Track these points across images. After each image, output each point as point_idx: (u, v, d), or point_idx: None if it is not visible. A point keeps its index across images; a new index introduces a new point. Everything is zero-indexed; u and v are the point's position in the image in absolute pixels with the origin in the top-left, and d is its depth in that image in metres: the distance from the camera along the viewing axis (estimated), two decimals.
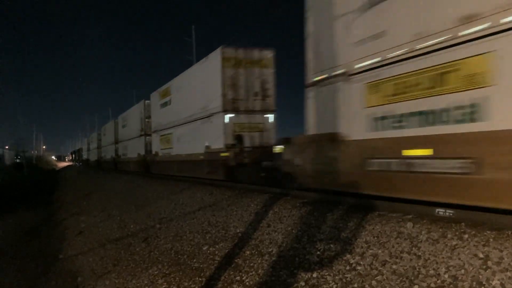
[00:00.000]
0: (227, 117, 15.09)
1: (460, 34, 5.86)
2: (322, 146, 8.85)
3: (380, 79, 7.32)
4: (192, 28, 36.06)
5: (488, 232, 5.04)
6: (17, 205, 22.21)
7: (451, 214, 6.01)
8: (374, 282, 4.79)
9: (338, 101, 8.48)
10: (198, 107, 17.29)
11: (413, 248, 5.16)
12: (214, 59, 15.69)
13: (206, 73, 16.64)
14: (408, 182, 6.79)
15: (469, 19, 5.75)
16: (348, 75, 8.07)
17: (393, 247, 5.39)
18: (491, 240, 4.79)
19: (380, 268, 5.02)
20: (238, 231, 8.09)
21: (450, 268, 4.51)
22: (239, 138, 15.02)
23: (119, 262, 9.20)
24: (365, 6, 7.53)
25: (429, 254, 4.90)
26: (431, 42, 6.31)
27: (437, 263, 4.69)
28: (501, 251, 4.49)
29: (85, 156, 77.55)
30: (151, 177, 23.03)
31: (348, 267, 5.30)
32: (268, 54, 15.80)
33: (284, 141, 10.81)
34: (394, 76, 7.03)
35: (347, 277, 5.09)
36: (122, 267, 8.82)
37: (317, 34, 9.13)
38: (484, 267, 4.33)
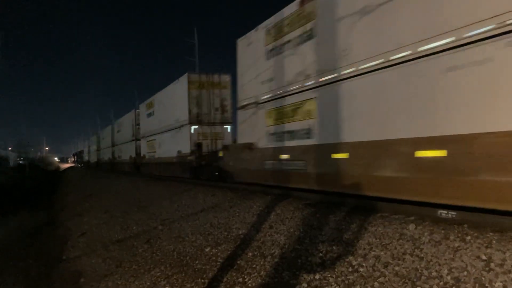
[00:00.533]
0: (193, 128, 19.55)
1: (304, 85, 10.09)
2: (244, 152, 13.32)
3: (271, 108, 11.73)
4: (194, 30, 36.14)
5: (491, 234, 5.04)
6: (19, 206, 22.26)
7: (454, 216, 6.01)
8: (376, 284, 4.79)
9: (252, 121, 12.92)
10: (173, 119, 21.88)
11: (416, 249, 5.16)
12: (183, 82, 20.27)
13: (177, 93, 21.30)
14: (281, 175, 11.14)
15: (308, 77, 9.93)
16: (257, 104, 12.51)
17: (395, 248, 5.39)
18: (494, 242, 4.79)
19: (383, 270, 5.02)
20: (240, 232, 8.09)
21: (453, 270, 4.51)
22: (198, 145, 19.35)
23: (121, 264, 9.21)
24: (262, 60, 12.13)
25: (432, 256, 4.89)
26: (291, 88, 10.64)
27: (439, 264, 4.69)
28: (504, 252, 4.48)
29: (86, 158, 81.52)
30: (153, 179, 23.08)
31: (350, 269, 5.30)
32: (226, 78, 20.56)
33: (224, 148, 16.02)
34: (276, 107, 11.48)
35: (349, 279, 5.09)
36: (124, 268, 8.83)
37: (242, 73, 13.68)
38: (487, 269, 4.33)
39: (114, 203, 17.64)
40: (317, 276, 5.37)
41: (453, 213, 6.06)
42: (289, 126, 10.79)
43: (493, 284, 4.11)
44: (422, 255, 4.99)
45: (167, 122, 22.74)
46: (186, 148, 19.73)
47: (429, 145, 6.56)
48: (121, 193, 20.23)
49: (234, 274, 6.40)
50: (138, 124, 30.42)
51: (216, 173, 16.94)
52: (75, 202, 23.14)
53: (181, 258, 8.00)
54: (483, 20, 5.83)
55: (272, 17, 11.59)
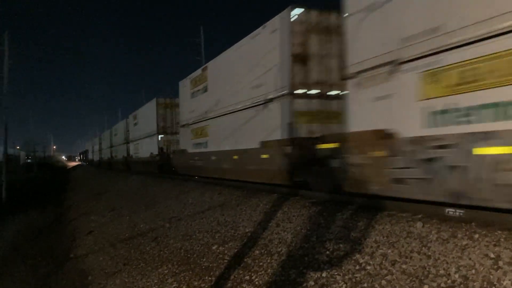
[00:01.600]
0: (159, 137, 26.28)
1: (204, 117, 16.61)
2: (181, 154, 20.73)
3: (193, 128, 18.86)
4: (201, 28, 36.21)
5: (499, 232, 5.01)
6: (28, 205, 22.43)
7: (461, 214, 5.98)
8: (384, 282, 4.78)
9: (185, 135, 19.93)
10: (148, 129, 28.52)
11: (423, 248, 5.14)
12: (153, 103, 27.28)
13: (150, 111, 27.95)
14: (196, 168, 18.55)
15: (205, 113, 16.98)
16: (188, 124, 19.49)
17: (402, 246, 5.37)
18: (502, 240, 4.76)
19: (390, 268, 5.01)
20: (247, 230, 8.11)
21: (461, 268, 4.49)
22: (161, 149, 26.03)
23: (129, 261, 9.27)
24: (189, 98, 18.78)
25: (439, 254, 4.88)
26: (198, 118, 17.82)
27: (447, 263, 4.67)
28: None
29: (90, 157, 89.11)
30: (160, 177, 23.12)
31: (357, 267, 5.30)
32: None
33: (173, 152, 24.19)
34: (194, 128, 18.50)
35: (356, 277, 5.09)
36: (132, 266, 8.89)
37: (181, 104, 21.10)
38: (495, 267, 4.30)
39: (121, 202, 17.74)
40: (324, 274, 5.37)
41: (460, 211, 6.02)
42: (199, 140, 18.15)
43: (501, 282, 4.09)
44: (429, 253, 4.97)
45: (145, 131, 29.63)
46: (155, 151, 26.53)
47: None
48: (128, 192, 20.32)
49: (241, 272, 6.42)
50: (128, 130, 37.09)
51: (173, 168, 22.99)
52: (82, 201, 23.29)
53: (188, 256, 8.03)
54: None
55: (193, 73, 19.25)
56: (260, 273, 6.14)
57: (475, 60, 5.68)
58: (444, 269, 4.59)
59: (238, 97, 13.93)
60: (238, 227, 8.52)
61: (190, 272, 7.18)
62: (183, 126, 20.49)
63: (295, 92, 10.86)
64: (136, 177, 26.34)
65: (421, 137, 6.46)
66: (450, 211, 6.15)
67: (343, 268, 5.39)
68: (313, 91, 11.16)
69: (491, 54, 5.52)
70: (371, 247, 5.67)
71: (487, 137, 5.49)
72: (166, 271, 7.71)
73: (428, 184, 6.43)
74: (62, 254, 12.15)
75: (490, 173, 5.47)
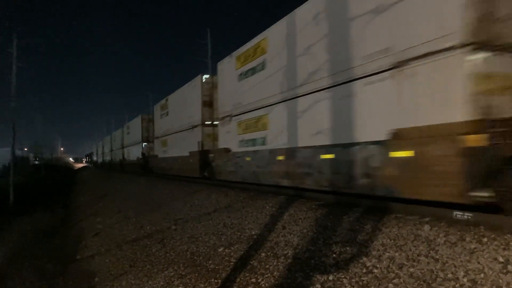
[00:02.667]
0: (144, 145, 33.79)
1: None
2: (155, 157, 28.87)
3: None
4: (207, 31, 36.30)
5: (508, 235, 4.95)
6: (35, 206, 22.54)
7: (469, 217, 5.93)
8: (391, 285, 4.74)
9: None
10: (135, 138, 36.58)
11: (431, 251, 5.10)
12: (138, 118, 35.42)
13: (136, 124, 36.22)
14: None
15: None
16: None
17: (410, 250, 5.33)
18: None
19: (397, 271, 4.97)
20: (253, 233, 8.09)
21: (469, 272, 4.44)
22: (143, 154, 33.13)
23: (135, 263, 9.27)
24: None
25: (447, 258, 4.83)
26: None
27: (455, 266, 4.63)
28: None
29: (95, 159, 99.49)
30: (166, 180, 23.19)
31: (364, 270, 5.26)
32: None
33: (149, 156, 31.08)
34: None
35: (363, 280, 5.05)
36: (138, 268, 8.89)
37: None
38: (504, 271, 4.26)
39: (127, 203, 17.77)
40: (330, 277, 5.34)
41: (469, 214, 5.97)
42: (164, 148, 25.64)
43: (510, 286, 4.04)
44: (437, 257, 4.93)
45: (133, 140, 38.14)
46: (140, 155, 34.34)
47: None
48: (134, 194, 20.37)
49: (247, 274, 6.39)
50: (123, 138, 45.09)
51: (150, 168, 30.52)
52: (89, 202, 23.38)
53: (195, 258, 8.02)
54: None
55: (161, 101, 24.74)
56: (266, 275, 6.11)
57: (249, 119, 13.79)
58: (452, 272, 4.55)
59: (181, 122, 21.97)
60: (244, 229, 8.50)
61: (196, 274, 7.16)
62: (157, 138, 28.19)
63: (205, 122, 18.78)
64: (143, 179, 26.43)
65: (236, 152, 14.74)
66: (458, 214, 6.10)
67: (350, 271, 5.35)
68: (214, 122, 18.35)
69: (252, 118, 13.52)
70: (378, 250, 5.63)
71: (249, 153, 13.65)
72: (172, 273, 7.70)
73: (235, 173, 14.69)
74: (69, 256, 12.18)
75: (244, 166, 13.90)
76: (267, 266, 6.39)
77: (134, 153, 37.00)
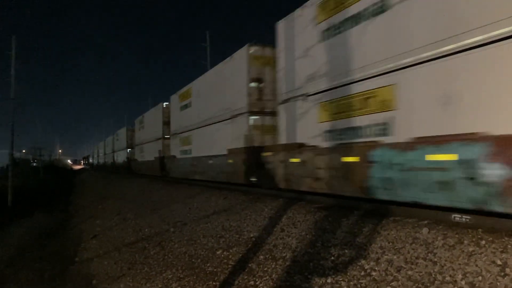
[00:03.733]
0: (128, 150, 40.71)
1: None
2: (135, 159, 36.76)
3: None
4: (207, 33, 36.29)
5: (506, 238, 4.96)
6: (34, 208, 22.52)
7: (468, 220, 5.93)
8: None
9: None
10: (121, 145, 44.36)
11: (429, 254, 5.10)
12: (123, 129, 42.98)
13: (122, 133, 43.16)
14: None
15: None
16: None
17: (408, 252, 5.33)
18: (509, 246, 4.71)
19: (395, 274, 4.97)
20: (252, 235, 8.08)
21: (467, 275, 4.45)
22: (128, 158, 39.76)
23: (133, 266, 9.26)
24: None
25: (445, 260, 4.83)
26: None
27: (453, 269, 4.63)
28: None
29: (91, 161, 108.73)
30: (166, 181, 23.18)
31: (362, 273, 5.26)
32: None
33: (131, 159, 39.23)
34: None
35: (361, 283, 5.05)
36: (136, 270, 8.88)
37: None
38: (502, 274, 4.26)
39: (126, 206, 17.76)
40: (329, 280, 5.34)
41: (467, 217, 5.98)
42: (142, 154, 34.05)
43: None
44: (435, 260, 4.93)
45: (120, 146, 46.10)
46: (125, 159, 42.11)
47: None
48: (134, 196, 20.37)
49: (246, 277, 6.39)
50: (114, 144, 52.73)
51: (132, 170, 37.37)
52: (88, 205, 23.35)
53: (193, 260, 8.02)
54: None
55: (138, 118, 33.77)
56: (264, 278, 6.11)
57: (185, 137, 21.46)
58: (450, 275, 4.55)
59: (151, 135, 29.77)
60: (243, 232, 8.50)
61: (195, 277, 7.16)
62: (136, 145, 35.85)
63: (165, 136, 25.47)
64: (142, 181, 26.41)
65: (178, 158, 21.66)
66: (456, 216, 6.10)
67: (348, 273, 5.35)
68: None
69: (186, 136, 21.13)
70: (377, 252, 5.63)
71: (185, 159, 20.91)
72: (170, 276, 7.69)
73: (179, 172, 22.21)
74: (67, 258, 12.17)
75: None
76: (265, 269, 6.39)
77: (121, 157, 45.02)
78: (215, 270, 7.12)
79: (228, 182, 14.99)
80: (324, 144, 9.49)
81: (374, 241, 5.98)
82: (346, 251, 5.97)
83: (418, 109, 7.00)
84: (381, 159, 7.54)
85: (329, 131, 9.38)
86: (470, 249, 4.88)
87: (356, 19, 8.56)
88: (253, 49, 13.86)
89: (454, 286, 4.37)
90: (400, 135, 7.29)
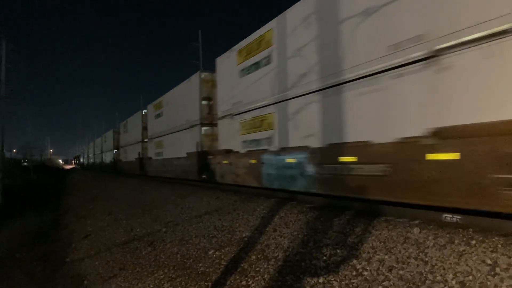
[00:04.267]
0: (115, 151, 45.12)
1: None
2: (120, 160, 41.45)
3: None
4: (199, 32, 36.16)
5: (496, 238, 5.00)
6: (25, 208, 22.34)
7: (459, 220, 5.97)
8: None
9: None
10: (109, 146, 48.40)
11: (420, 253, 5.13)
12: (110, 132, 47.83)
13: (109, 136, 49.07)
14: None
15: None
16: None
17: (400, 252, 5.36)
18: (499, 246, 4.75)
19: (387, 274, 4.99)
20: (244, 235, 8.08)
21: (458, 274, 4.47)
22: (114, 158, 44.24)
23: (125, 266, 9.21)
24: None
25: (436, 260, 4.86)
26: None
27: (444, 269, 4.65)
28: (510, 257, 4.45)
29: (82, 161, 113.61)
30: (158, 182, 23.12)
31: (354, 273, 5.27)
32: None
33: (117, 160, 44.10)
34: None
35: (353, 283, 5.06)
36: (128, 271, 8.83)
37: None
38: (492, 273, 4.29)
39: (118, 206, 17.66)
40: (321, 280, 5.35)
41: (458, 217, 6.02)
42: (126, 155, 38.67)
43: None
44: (426, 259, 4.96)
45: (108, 147, 50.00)
46: (112, 159, 46.14)
47: None
48: (125, 196, 20.26)
49: (238, 277, 6.38)
50: (102, 145, 57.19)
51: (118, 170, 41.22)
52: (79, 205, 23.19)
53: (185, 260, 7.99)
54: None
55: (123, 122, 37.29)
56: (256, 278, 6.10)
57: (158, 141, 25.61)
58: (441, 275, 4.58)
59: (132, 138, 34.18)
60: (235, 232, 8.49)
61: (187, 277, 7.13)
62: (122, 147, 39.98)
63: (144, 140, 29.26)
64: (134, 181, 26.30)
65: (153, 159, 25.62)
66: (447, 216, 6.14)
67: (340, 273, 5.36)
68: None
69: (159, 140, 25.42)
70: (368, 252, 5.65)
71: (157, 160, 25.53)
72: (162, 276, 7.66)
73: (155, 171, 25.87)
74: (58, 258, 12.06)
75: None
76: (257, 269, 6.39)
77: (109, 157, 49.77)
78: (207, 270, 7.10)
79: (188, 179, 19.06)
80: (242, 151, 13.69)
81: (366, 240, 6.00)
82: (338, 251, 5.98)
83: (284, 130, 11.17)
84: (267, 161, 11.69)
85: (244, 141, 13.65)
86: (461, 248, 4.92)
87: (256, 65, 12.78)
88: (203, 75, 17.95)
89: (445, 286, 4.40)
90: (276, 145, 11.49)
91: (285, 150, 10.73)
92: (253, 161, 12.43)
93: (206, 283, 6.59)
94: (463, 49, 6.06)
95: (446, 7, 6.36)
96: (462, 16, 6.07)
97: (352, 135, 8.42)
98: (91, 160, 77.00)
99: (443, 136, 6.34)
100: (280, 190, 11.18)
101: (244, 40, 13.56)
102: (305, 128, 10.04)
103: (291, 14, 10.78)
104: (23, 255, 12.85)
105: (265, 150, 11.88)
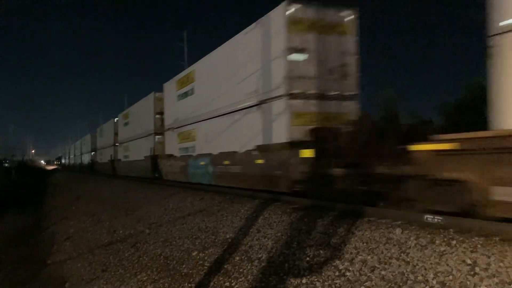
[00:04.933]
0: (92, 153, 49.31)
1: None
2: (98, 163, 45.45)
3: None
4: (184, 33, 36.03)
5: (476, 238, 5.07)
6: (7, 209, 22.00)
7: (440, 221, 6.04)
8: None
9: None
10: (87, 149, 53.48)
11: (402, 254, 5.18)
12: (88, 136, 54.81)
13: (87, 139, 55.14)
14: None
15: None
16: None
17: (382, 253, 5.40)
18: (479, 246, 4.82)
19: (369, 274, 5.02)
20: (228, 236, 8.06)
21: (438, 274, 4.53)
22: (92, 159, 48.73)
23: (107, 268, 9.12)
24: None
25: (418, 260, 4.91)
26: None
27: (425, 269, 4.71)
28: (489, 257, 4.51)
29: (64, 161, 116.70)
30: (142, 183, 22.94)
31: (337, 273, 5.30)
32: None
33: (95, 161, 49.02)
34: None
35: (336, 283, 5.09)
36: (110, 272, 8.75)
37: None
38: (472, 273, 4.35)
39: (101, 207, 17.49)
40: (304, 281, 5.37)
41: (439, 217, 6.09)
42: (101, 157, 42.61)
43: None
44: (408, 260, 5.00)
45: (86, 149, 53.58)
46: (90, 160, 50.02)
47: None
48: (109, 197, 20.07)
49: (221, 278, 6.37)
50: (81, 147, 60.70)
51: (95, 170, 44.28)
52: (61, 206, 22.89)
53: (168, 262, 7.95)
54: None
55: (102, 125, 42.55)
56: (240, 279, 6.10)
57: (125, 146, 30.65)
58: (422, 275, 4.63)
59: (106, 143, 39.15)
60: (219, 233, 8.47)
61: (170, 279, 7.10)
62: (98, 149, 43.68)
63: (115, 144, 35.74)
64: (117, 182, 26.06)
65: (121, 160, 30.94)
66: (428, 217, 6.21)
67: (323, 274, 5.39)
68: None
69: (125, 145, 30.28)
70: (351, 253, 5.69)
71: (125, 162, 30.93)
72: (145, 278, 7.61)
73: (123, 171, 30.52)
74: (40, 260, 11.90)
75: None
76: (241, 270, 6.38)
77: (87, 158, 53.78)
78: (190, 271, 7.07)
79: (146, 177, 23.43)
80: (178, 155, 18.52)
81: (349, 241, 6.04)
82: (321, 251, 6.01)
83: (201, 141, 16.02)
84: (190, 163, 16.87)
85: (179, 149, 18.41)
86: (442, 249, 4.97)
87: (185, 94, 17.97)
88: (157, 94, 22.56)
89: (426, 285, 4.45)
90: (196, 152, 16.35)
91: (200, 155, 15.70)
92: (183, 163, 17.57)
93: (189, 285, 6.57)
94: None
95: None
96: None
97: (228, 147, 13.42)
98: (72, 161, 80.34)
99: (259, 150, 11.43)
100: (206, 184, 15.37)
101: (181, 73, 18.96)
102: (209, 140, 15.06)
103: (202, 63, 16.28)
104: (3, 258, 12.64)
105: (190, 156, 16.90)
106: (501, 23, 6.03)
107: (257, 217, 8.55)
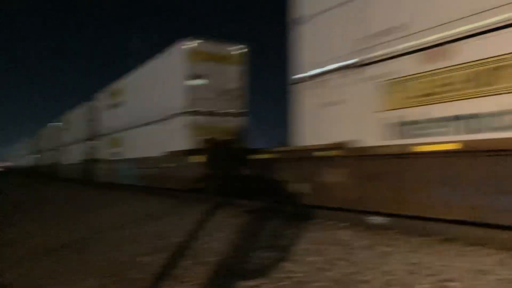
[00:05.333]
0: (34, 156, 52.00)
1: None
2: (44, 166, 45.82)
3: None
4: (131, 35, 35.64)
5: (419, 238, 5.27)
6: None
7: (384, 222, 6.24)
8: None
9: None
10: (29, 151, 54.61)
11: (348, 254, 5.29)
12: (29, 139, 58.38)
13: (26, 143, 59.86)
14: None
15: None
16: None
17: (329, 254, 5.50)
18: (423, 246, 5.00)
19: (318, 275, 5.10)
20: (177, 240, 7.96)
21: (383, 274, 4.66)
22: (35, 162, 49.09)
23: (51, 274, 8.76)
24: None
25: (363, 261, 5.04)
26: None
27: (370, 269, 4.83)
28: (432, 256, 4.69)
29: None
30: (91, 187, 22.29)
31: (286, 275, 5.35)
32: None
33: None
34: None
35: (285, 285, 5.13)
36: (55, 279, 8.39)
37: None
38: (415, 272, 4.51)
39: (47, 212, 16.80)
40: (252, 283, 5.37)
41: (384, 219, 6.29)
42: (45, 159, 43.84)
43: (421, 287, 4.29)
44: (354, 260, 5.12)
45: (28, 152, 56.16)
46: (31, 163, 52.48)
47: None
48: (56, 202, 19.31)
49: (171, 282, 6.27)
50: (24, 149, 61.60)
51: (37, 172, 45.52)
52: (2, 211, 21.81)
53: (115, 267, 7.74)
54: None
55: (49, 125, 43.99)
56: (190, 283, 6.03)
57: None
58: (367, 275, 4.75)
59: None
60: (169, 237, 8.34)
61: (118, 285, 6.91)
62: (40, 152, 46.64)
63: None
64: (65, 185, 25.17)
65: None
66: (373, 219, 6.40)
67: (271, 276, 5.42)
68: None
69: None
70: (300, 254, 5.76)
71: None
72: (91, 284, 7.36)
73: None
74: None
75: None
76: (190, 274, 6.31)
77: (29, 161, 55.46)
78: (138, 276, 6.91)
79: (84, 179, 25.76)
80: (110, 159, 20.96)
81: (298, 243, 6.11)
82: (270, 253, 6.05)
83: (128, 147, 19.16)
84: (119, 166, 19.46)
85: (112, 153, 20.73)
86: (386, 249, 5.13)
87: (115, 104, 20.59)
88: (91, 102, 25.71)
89: (370, 286, 4.56)
90: (123, 156, 18.82)
91: (127, 160, 18.03)
92: (114, 166, 20.03)
93: None
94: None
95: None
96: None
97: (149, 152, 15.72)
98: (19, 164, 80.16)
99: (171, 155, 14.01)
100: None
101: (113, 84, 21.38)
102: (134, 146, 17.27)
103: (132, 77, 18.60)
104: None
105: (119, 160, 19.29)
106: (295, 76, 8.70)
107: (208, 220, 8.51)
